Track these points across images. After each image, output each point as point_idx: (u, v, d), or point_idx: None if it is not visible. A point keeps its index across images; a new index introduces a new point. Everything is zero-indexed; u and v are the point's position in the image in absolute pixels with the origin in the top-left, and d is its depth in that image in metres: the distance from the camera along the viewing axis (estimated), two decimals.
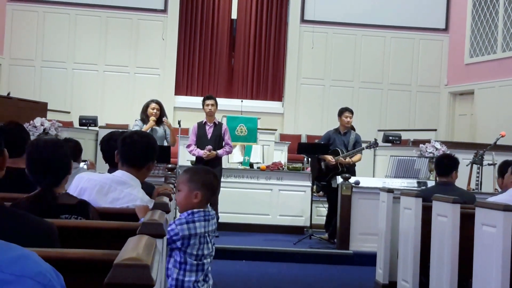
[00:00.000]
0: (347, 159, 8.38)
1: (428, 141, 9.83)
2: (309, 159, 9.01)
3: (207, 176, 3.31)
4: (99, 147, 4.52)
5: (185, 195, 3.22)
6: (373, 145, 8.62)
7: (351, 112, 8.66)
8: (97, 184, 3.52)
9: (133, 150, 3.59)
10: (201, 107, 8.69)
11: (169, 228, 3.09)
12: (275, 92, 14.76)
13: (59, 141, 3.01)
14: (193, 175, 3.28)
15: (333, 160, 8.34)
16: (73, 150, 4.98)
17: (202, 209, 3.21)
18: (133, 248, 1.52)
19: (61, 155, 2.84)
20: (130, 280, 1.35)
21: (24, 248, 1.14)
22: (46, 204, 2.73)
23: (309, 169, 8.99)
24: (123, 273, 1.36)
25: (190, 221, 3.13)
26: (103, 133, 9.94)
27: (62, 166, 2.84)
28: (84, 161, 6.03)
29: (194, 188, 3.21)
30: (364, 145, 8.56)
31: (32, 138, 4.03)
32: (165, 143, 8.04)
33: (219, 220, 8.61)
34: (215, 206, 8.50)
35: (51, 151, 2.82)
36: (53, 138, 3.04)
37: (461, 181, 7.73)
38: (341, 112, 8.65)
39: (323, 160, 8.47)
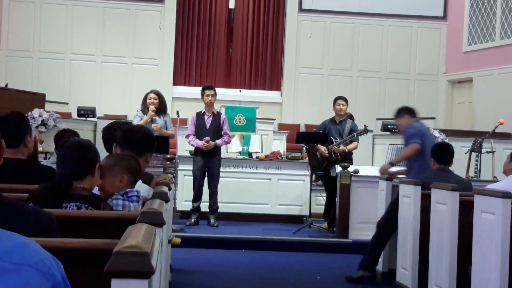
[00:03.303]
0: (341, 147, 8.32)
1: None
2: (306, 148, 9.00)
3: (131, 161, 3.29)
4: (97, 138, 4.56)
5: (110, 180, 3.18)
6: (363, 132, 8.50)
7: (345, 100, 8.62)
8: None
9: (132, 134, 3.73)
10: (200, 97, 8.67)
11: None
12: (273, 81, 14.74)
13: (84, 142, 3.16)
14: (117, 161, 3.26)
15: (326, 151, 8.30)
16: None
17: (134, 189, 3.16)
18: (133, 236, 1.52)
19: (82, 151, 2.99)
20: (130, 267, 1.35)
21: (24, 237, 1.14)
22: (58, 190, 2.82)
23: (307, 158, 8.99)
24: (123, 260, 1.36)
25: (126, 199, 3.07)
26: (101, 123, 9.96)
27: (80, 160, 2.95)
28: None
29: (118, 172, 3.19)
30: (355, 133, 8.48)
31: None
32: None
33: (219, 210, 8.63)
34: (214, 195, 8.51)
35: (73, 146, 3.00)
36: (81, 139, 3.24)
37: (459, 169, 7.74)
38: (334, 100, 8.65)
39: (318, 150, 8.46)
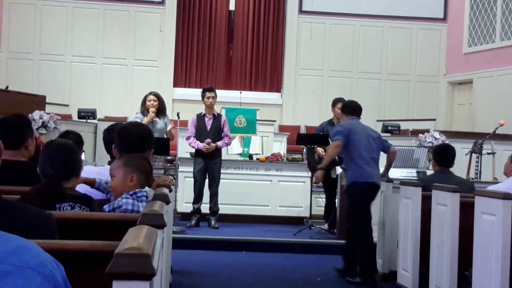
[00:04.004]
0: None
1: (427, 131, 9.82)
2: (306, 149, 8.98)
3: (141, 161, 3.31)
4: (98, 140, 4.55)
5: (121, 179, 3.22)
6: None
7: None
8: (95, 176, 3.55)
9: (128, 137, 3.67)
10: (200, 99, 8.67)
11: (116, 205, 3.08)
12: (273, 83, 14.74)
13: (70, 144, 3.19)
14: (127, 160, 3.29)
15: (323, 153, 8.29)
16: (74, 142, 5.02)
17: (143, 189, 3.18)
18: (134, 238, 1.52)
19: (69, 152, 3.04)
20: (131, 269, 1.35)
21: (24, 239, 1.14)
22: (52, 191, 2.82)
23: (307, 159, 8.98)
24: (124, 262, 1.36)
25: (135, 199, 3.09)
26: (102, 125, 9.94)
27: (68, 161, 3.00)
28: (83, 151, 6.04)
29: (129, 171, 3.21)
30: None
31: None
32: (166, 135, 8.03)
33: (219, 212, 8.62)
34: (214, 197, 8.50)
35: (60, 148, 3.02)
36: (66, 140, 3.26)
37: (460, 170, 7.74)
38: (334, 103, 8.59)
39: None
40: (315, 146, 8.44)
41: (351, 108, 6.64)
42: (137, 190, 3.13)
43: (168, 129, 8.04)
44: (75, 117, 12.10)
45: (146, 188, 3.51)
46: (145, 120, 7.96)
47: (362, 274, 6.00)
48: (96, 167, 3.98)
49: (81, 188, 3.43)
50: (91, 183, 3.46)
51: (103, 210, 3.07)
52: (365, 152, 6.23)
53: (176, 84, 14.41)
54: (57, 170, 2.93)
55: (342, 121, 6.62)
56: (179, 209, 8.83)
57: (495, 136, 9.07)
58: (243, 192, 9.13)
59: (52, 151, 2.99)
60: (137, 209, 3.03)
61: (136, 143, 3.65)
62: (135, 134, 3.72)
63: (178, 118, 8.68)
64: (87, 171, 3.64)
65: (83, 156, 5.84)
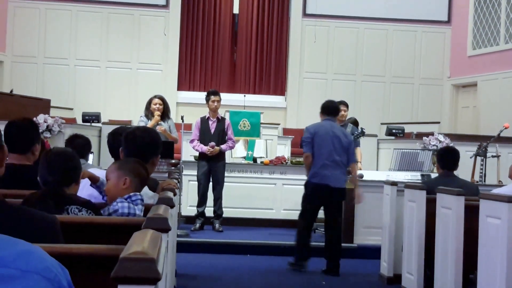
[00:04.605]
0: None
1: (432, 134, 9.82)
2: None
3: (135, 165, 3.32)
4: (102, 143, 4.55)
5: (114, 182, 3.23)
6: (359, 135, 8.47)
7: (346, 105, 8.62)
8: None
9: (136, 145, 3.65)
10: (204, 102, 8.68)
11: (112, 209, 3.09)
12: (277, 86, 14.74)
13: (69, 151, 3.22)
14: (121, 164, 3.32)
15: None
16: (82, 146, 5.06)
17: (138, 193, 3.19)
18: (139, 242, 1.52)
19: (69, 160, 3.04)
20: (137, 273, 1.35)
21: (29, 243, 1.14)
22: (56, 196, 2.84)
23: None
24: (129, 266, 1.36)
25: (130, 202, 3.10)
26: (106, 129, 9.95)
27: (68, 168, 3.01)
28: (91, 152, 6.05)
29: (122, 174, 3.22)
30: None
31: None
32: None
33: (223, 215, 8.62)
34: (219, 200, 8.50)
35: (60, 155, 3.03)
36: (66, 148, 3.28)
37: (465, 173, 7.73)
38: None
39: None
40: None
41: (327, 109, 6.90)
42: (131, 194, 3.14)
43: (165, 130, 7.99)
44: (79, 120, 12.11)
45: (149, 192, 3.51)
46: (149, 124, 7.97)
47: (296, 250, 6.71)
48: (101, 170, 3.97)
49: (82, 183, 3.45)
50: (95, 179, 3.47)
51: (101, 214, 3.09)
52: (325, 154, 6.59)
53: (180, 87, 14.41)
54: (57, 177, 2.94)
55: (320, 121, 6.95)
56: (184, 213, 8.83)
57: (500, 139, 9.06)
58: (247, 196, 9.13)
59: (51, 159, 3.00)
60: (134, 212, 3.04)
61: (143, 149, 3.64)
62: (143, 140, 3.70)
63: (182, 121, 8.68)
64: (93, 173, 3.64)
65: (90, 159, 5.87)
